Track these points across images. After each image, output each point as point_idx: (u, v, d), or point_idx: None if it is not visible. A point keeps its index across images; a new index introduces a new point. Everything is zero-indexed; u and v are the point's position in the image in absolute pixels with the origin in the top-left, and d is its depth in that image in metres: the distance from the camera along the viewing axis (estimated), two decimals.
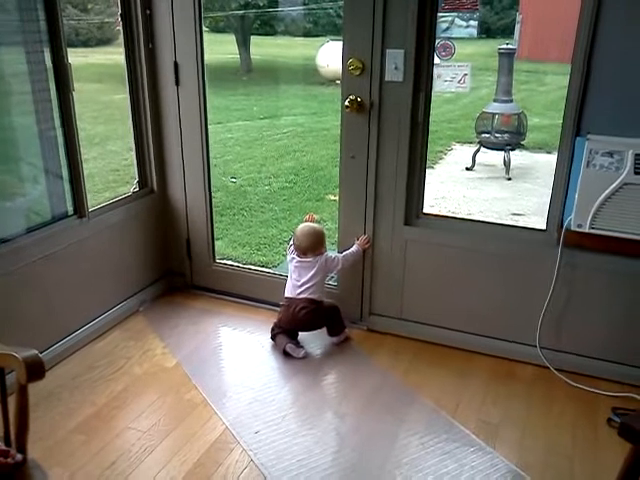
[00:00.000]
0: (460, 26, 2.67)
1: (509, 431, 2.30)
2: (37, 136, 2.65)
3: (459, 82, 2.67)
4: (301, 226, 2.89)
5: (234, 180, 5.63)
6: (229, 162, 6.11)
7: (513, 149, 5.53)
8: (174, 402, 2.43)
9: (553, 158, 2.52)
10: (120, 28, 2.92)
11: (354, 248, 2.83)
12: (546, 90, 7.60)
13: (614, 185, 2.30)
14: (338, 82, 2.71)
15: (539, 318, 2.61)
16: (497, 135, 5.44)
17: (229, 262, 3.43)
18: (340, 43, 2.63)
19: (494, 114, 5.43)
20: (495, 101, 5.46)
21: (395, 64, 2.52)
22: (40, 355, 1.43)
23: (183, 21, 2.85)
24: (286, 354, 2.74)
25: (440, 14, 2.54)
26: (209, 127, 3.05)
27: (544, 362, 2.63)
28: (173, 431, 2.26)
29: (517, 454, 2.17)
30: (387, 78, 2.56)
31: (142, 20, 2.87)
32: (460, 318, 2.80)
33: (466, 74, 2.65)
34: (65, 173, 2.70)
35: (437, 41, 2.57)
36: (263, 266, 3.73)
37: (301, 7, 8.62)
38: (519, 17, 6.25)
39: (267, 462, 2.11)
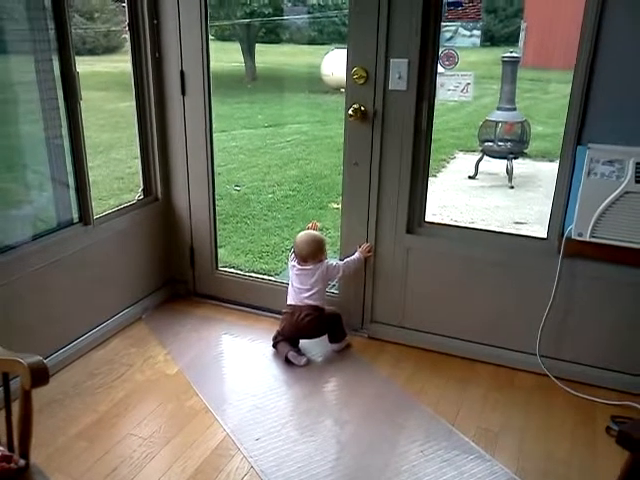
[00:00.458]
0: (464, 35, 2.69)
1: (508, 439, 2.30)
2: (44, 144, 2.68)
3: (462, 91, 2.69)
4: (301, 234, 2.91)
5: (238, 188, 5.65)
6: (233, 170, 6.14)
7: (516, 157, 5.52)
8: (175, 409, 2.44)
9: (556, 167, 2.53)
10: (126, 36, 2.95)
11: (355, 255, 2.85)
12: (550, 98, 7.60)
13: (615, 194, 2.31)
14: (342, 90, 2.73)
15: (539, 326, 2.62)
16: (500, 143, 5.44)
17: (232, 270, 3.45)
18: (345, 51, 2.66)
19: (497, 122, 5.43)
20: (498, 109, 5.46)
21: (399, 73, 2.55)
22: (44, 361, 1.45)
23: (189, 30, 2.89)
24: (288, 362, 2.75)
25: (444, 24, 2.57)
26: (214, 135, 3.08)
27: (544, 370, 2.63)
28: (174, 438, 2.27)
29: (516, 461, 2.18)
30: (391, 87, 2.58)
31: (149, 29, 2.90)
32: (461, 326, 2.81)
33: (469, 83, 2.67)
34: (71, 181, 2.73)
35: (441, 50, 2.59)
36: (265, 274, 3.74)
37: (306, 15, 8.66)
38: (524, 25, 6.28)
39: (267, 469, 2.12)
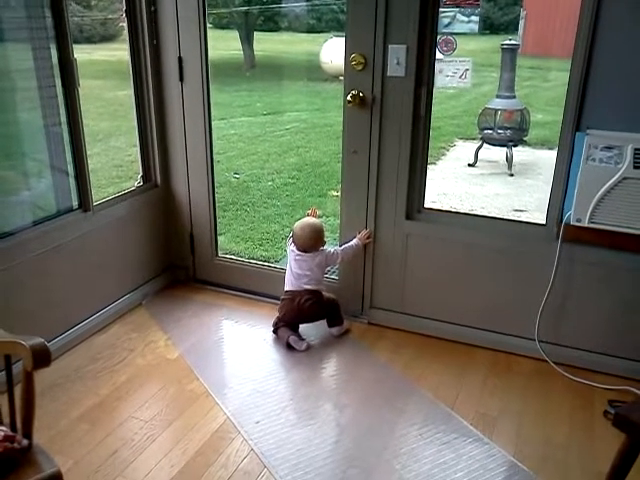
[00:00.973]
0: (462, 21, 2.68)
1: (507, 423, 2.32)
2: (43, 131, 2.68)
3: (460, 77, 2.69)
4: (300, 222, 2.91)
5: (237, 176, 5.65)
6: (232, 158, 6.14)
7: (516, 145, 5.52)
8: (176, 393, 2.46)
9: (555, 155, 2.53)
10: (123, 24, 2.94)
11: (354, 242, 2.86)
12: (550, 86, 7.57)
13: (613, 179, 2.31)
14: (341, 78, 2.73)
15: (538, 312, 2.64)
16: (500, 131, 5.44)
17: (231, 256, 3.46)
18: (343, 39, 2.65)
19: (497, 110, 5.43)
20: (498, 97, 5.45)
21: (397, 59, 2.54)
22: (46, 343, 1.47)
23: (187, 17, 2.88)
24: (289, 347, 2.77)
25: (442, 9, 2.56)
26: (212, 123, 3.08)
27: (542, 355, 2.65)
28: (175, 421, 2.29)
29: (514, 445, 2.20)
30: (389, 73, 2.58)
31: (147, 16, 2.90)
32: (460, 312, 2.82)
33: (467, 69, 2.67)
34: (70, 167, 2.73)
35: (439, 36, 2.59)
36: (265, 261, 3.75)
37: (305, 3, 8.62)
38: (523, 13, 6.26)
39: (267, 451, 2.14)
